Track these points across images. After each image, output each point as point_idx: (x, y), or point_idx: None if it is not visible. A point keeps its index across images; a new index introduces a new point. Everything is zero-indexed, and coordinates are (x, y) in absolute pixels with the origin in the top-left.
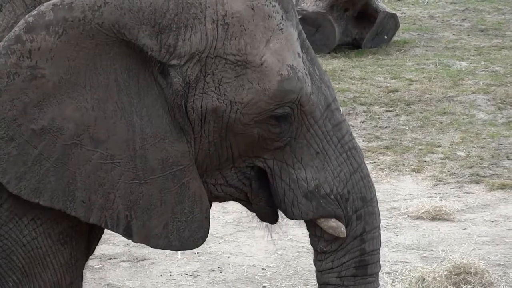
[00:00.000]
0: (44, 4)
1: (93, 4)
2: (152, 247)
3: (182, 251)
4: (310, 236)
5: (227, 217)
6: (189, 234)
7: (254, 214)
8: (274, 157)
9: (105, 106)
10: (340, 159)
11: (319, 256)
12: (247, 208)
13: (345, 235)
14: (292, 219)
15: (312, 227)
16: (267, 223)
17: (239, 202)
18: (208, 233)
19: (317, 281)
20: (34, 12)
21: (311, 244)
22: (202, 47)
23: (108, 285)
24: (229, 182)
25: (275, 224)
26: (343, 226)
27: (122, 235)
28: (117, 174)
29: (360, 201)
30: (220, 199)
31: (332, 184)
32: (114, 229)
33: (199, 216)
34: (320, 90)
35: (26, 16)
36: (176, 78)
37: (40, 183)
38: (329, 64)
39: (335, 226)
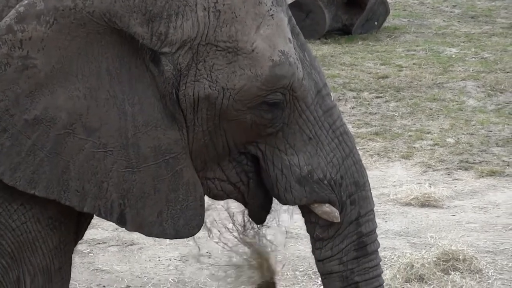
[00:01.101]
0: None
1: None
2: (146, 235)
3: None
4: (305, 223)
5: (216, 202)
6: (184, 222)
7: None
8: (267, 143)
9: (97, 94)
10: (332, 144)
11: (316, 243)
12: (243, 205)
13: (339, 220)
14: (285, 204)
15: (307, 213)
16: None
17: (236, 200)
18: (203, 221)
19: (319, 271)
20: (25, 1)
21: (308, 231)
22: (193, 34)
23: (96, 269)
24: (227, 176)
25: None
26: (337, 211)
27: (116, 224)
28: (110, 162)
29: (354, 186)
30: (219, 198)
31: (325, 170)
32: (108, 217)
33: (193, 203)
34: (311, 76)
35: (17, 6)
36: (167, 66)
37: (34, 173)
38: (319, 50)
39: (329, 211)
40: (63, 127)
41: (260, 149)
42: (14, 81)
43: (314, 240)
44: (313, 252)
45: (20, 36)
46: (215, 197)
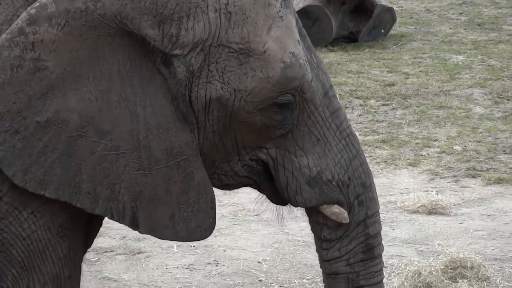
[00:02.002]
0: None
1: None
2: (158, 238)
3: (188, 242)
4: (312, 224)
5: (223, 210)
6: (195, 224)
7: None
8: (276, 146)
9: (108, 97)
10: (340, 145)
11: (323, 244)
12: (258, 191)
13: (348, 220)
14: (296, 206)
15: (315, 214)
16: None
17: (250, 186)
18: (215, 223)
19: (324, 271)
20: (36, 4)
21: (314, 232)
22: (205, 36)
23: (104, 278)
24: (238, 174)
25: (273, 217)
26: (346, 212)
27: (129, 226)
28: (122, 165)
29: (361, 187)
30: (231, 187)
31: (333, 171)
32: (120, 220)
33: (204, 206)
34: (318, 77)
35: (29, 8)
36: (179, 68)
37: (45, 175)
38: (326, 57)
39: (338, 212)
40: (75, 130)
41: (270, 154)
42: (26, 83)
43: (321, 241)
44: (319, 252)
45: (32, 38)
46: (228, 186)
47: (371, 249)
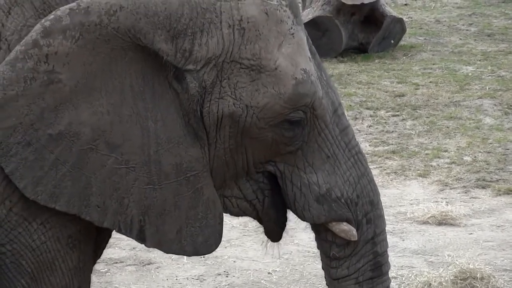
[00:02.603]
0: (60, 8)
1: (109, 8)
2: (165, 252)
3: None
4: (319, 242)
5: (234, 221)
6: (202, 239)
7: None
8: (285, 162)
9: (120, 110)
10: (349, 163)
11: (332, 263)
12: (259, 223)
13: (357, 238)
14: (304, 221)
15: (323, 232)
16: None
17: (251, 217)
18: (221, 238)
19: None
20: (51, 16)
21: (322, 250)
22: (218, 51)
23: None
24: (244, 194)
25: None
26: (355, 230)
27: (135, 240)
28: (131, 179)
29: (369, 204)
30: (234, 214)
31: (342, 188)
32: (128, 233)
33: (212, 221)
34: (328, 94)
35: (43, 20)
36: (192, 83)
37: (56, 188)
38: (336, 68)
39: (347, 229)
40: (86, 143)
41: (279, 168)
42: (40, 96)
43: (330, 259)
44: (327, 270)
45: (46, 50)
46: (231, 213)
47: (379, 267)
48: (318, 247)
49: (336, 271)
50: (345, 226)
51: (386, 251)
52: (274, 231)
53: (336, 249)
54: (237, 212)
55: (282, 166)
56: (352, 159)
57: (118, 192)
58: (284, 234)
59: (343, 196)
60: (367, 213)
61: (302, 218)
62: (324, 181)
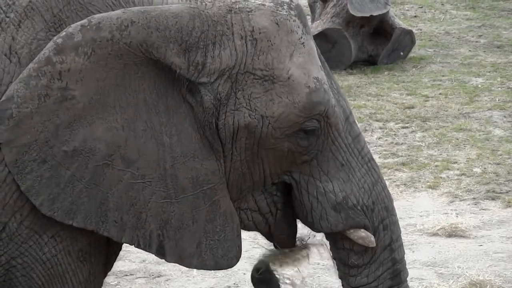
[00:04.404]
0: (72, 25)
1: (120, 24)
2: (186, 267)
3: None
4: (336, 250)
5: (243, 234)
6: (222, 253)
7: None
8: (301, 172)
9: (135, 126)
10: (362, 170)
11: (351, 271)
12: (267, 239)
13: (375, 244)
14: (320, 232)
15: (340, 240)
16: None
17: (261, 233)
18: (241, 251)
19: None
20: (63, 33)
21: (339, 259)
22: (232, 63)
23: None
24: (259, 206)
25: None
26: (372, 236)
27: (155, 255)
28: (148, 193)
29: (385, 211)
30: (247, 229)
31: (358, 196)
32: (147, 248)
33: (230, 234)
34: (339, 103)
35: (55, 38)
36: (206, 96)
37: (73, 204)
38: (345, 80)
39: (365, 236)
40: (102, 159)
41: (294, 178)
42: (54, 113)
43: (348, 267)
44: (345, 279)
45: (59, 67)
46: (245, 228)
47: (398, 274)
48: (334, 256)
49: (355, 279)
50: (363, 233)
51: (404, 258)
52: (286, 241)
53: (355, 257)
54: (250, 226)
55: (298, 176)
56: (366, 166)
57: (135, 207)
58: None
59: (359, 203)
60: (383, 219)
61: (319, 228)
62: (340, 189)
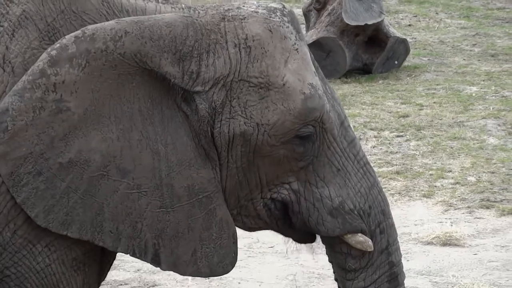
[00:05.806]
0: (66, 36)
1: (114, 34)
2: (181, 275)
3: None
4: (333, 254)
5: (238, 243)
6: (218, 260)
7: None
8: (298, 179)
9: (130, 135)
10: (358, 175)
11: (348, 275)
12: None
13: (372, 248)
14: (319, 234)
15: (338, 244)
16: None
17: (273, 230)
18: (236, 258)
19: None
20: (57, 45)
21: (336, 263)
22: (226, 71)
23: None
24: (259, 214)
25: (288, 249)
26: (370, 240)
27: (150, 263)
28: (144, 203)
29: (381, 214)
30: (253, 230)
31: (354, 200)
32: (142, 257)
33: (226, 241)
34: (334, 108)
35: (49, 49)
36: (201, 105)
37: (68, 215)
38: (340, 89)
39: (363, 240)
40: (97, 169)
41: (292, 188)
42: (49, 125)
43: (345, 271)
44: (342, 283)
45: (53, 79)
46: (250, 229)
47: (395, 277)
48: (331, 260)
49: (352, 283)
50: (360, 237)
51: (401, 261)
52: (304, 239)
53: (352, 261)
54: (256, 228)
55: (296, 184)
56: (361, 170)
57: (131, 216)
58: (288, 255)
59: (356, 207)
60: (380, 223)
61: (317, 232)
62: (336, 194)
